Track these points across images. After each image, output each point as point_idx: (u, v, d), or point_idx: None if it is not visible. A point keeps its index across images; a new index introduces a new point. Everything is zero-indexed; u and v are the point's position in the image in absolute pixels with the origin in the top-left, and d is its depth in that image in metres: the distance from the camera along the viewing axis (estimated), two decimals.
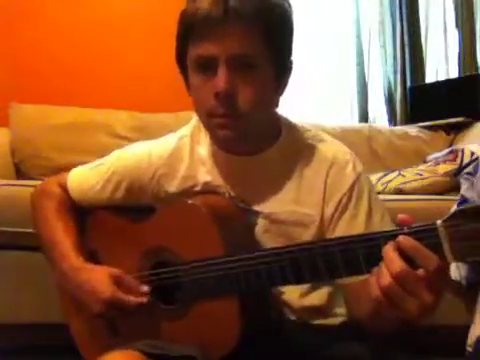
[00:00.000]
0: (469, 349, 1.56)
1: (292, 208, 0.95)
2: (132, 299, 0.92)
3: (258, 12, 0.85)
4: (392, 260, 0.66)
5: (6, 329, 1.71)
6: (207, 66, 0.88)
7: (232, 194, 0.98)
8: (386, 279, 0.66)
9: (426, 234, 0.66)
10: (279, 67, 0.92)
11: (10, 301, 1.71)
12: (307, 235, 0.95)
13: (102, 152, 1.12)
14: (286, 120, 1.02)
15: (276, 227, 0.96)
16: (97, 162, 1.10)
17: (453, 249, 0.64)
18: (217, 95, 0.86)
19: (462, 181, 2.00)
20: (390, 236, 0.69)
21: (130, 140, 1.12)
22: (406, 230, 0.68)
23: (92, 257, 1.04)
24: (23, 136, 2.33)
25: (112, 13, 2.73)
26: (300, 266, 0.77)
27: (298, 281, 0.81)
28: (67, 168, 1.14)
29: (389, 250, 0.67)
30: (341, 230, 0.93)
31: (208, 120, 0.92)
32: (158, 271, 0.95)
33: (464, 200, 1.86)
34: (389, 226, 0.91)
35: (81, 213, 1.10)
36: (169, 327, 0.93)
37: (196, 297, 0.89)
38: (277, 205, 0.96)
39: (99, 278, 0.95)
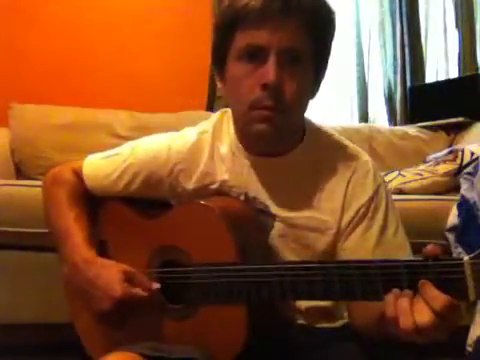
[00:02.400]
0: (469, 349, 1.57)
1: (310, 214, 0.94)
2: (142, 292, 0.90)
3: (313, 9, 0.87)
4: (422, 313, 0.66)
5: (5, 329, 1.71)
6: (255, 55, 0.87)
7: (250, 195, 0.97)
8: (409, 321, 0.66)
9: (451, 269, 0.65)
10: (318, 69, 0.93)
11: (9, 301, 1.70)
12: (323, 242, 0.94)
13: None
14: (310, 122, 1.01)
15: (292, 232, 0.95)
16: (113, 151, 1.08)
17: (477, 288, 0.63)
18: (265, 86, 0.85)
19: (462, 181, 2.00)
20: (413, 266, 0.68)
21: (130, 140, 1.11)
22: (430, 262, 0.67)
23: (101, 247, 1.03)
24: (23, 136, 2.33)
25: (112, 13, 2.73)
26: (314, 283, 0.75)
27: (310, 298, 0.80)
28: None
29: (420, 303, 0.66)
30: (353, 241, 0.92)
31: (249, 112, 0.88)
32: (168, 270, 0.94)
33: (464, 200, 1.87)
34: (401, 242, 0.92)
35: (93, 201, 1.08)
36: (175, 327, 0.93)
37: (204, 300, 0.88)
38: (295, 209, 0.95)
39: (111, 274, 0.92)
